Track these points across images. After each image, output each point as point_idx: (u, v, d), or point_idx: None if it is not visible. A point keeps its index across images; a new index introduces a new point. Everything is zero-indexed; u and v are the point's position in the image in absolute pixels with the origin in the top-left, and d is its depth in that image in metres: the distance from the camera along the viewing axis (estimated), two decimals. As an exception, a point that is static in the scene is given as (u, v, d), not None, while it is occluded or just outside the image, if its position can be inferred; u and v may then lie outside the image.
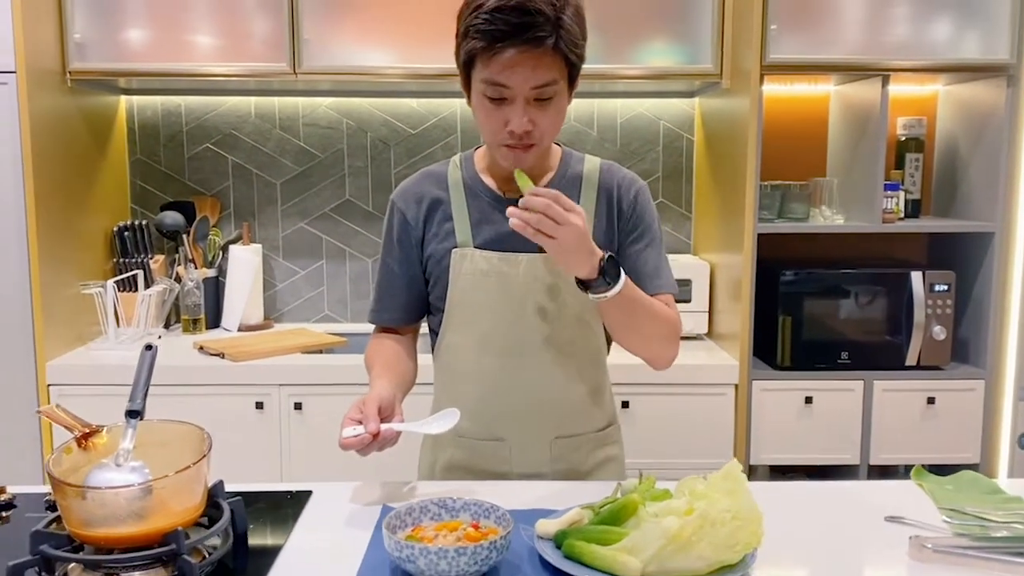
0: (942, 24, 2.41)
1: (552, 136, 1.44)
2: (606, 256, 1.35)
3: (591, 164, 1.56)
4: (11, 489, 1.42)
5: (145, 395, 1.23)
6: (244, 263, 2.84)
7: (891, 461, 2.47)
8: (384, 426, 1.34)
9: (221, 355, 2.48)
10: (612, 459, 1.62)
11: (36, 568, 1.08)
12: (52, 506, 1.32)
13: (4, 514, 1.36)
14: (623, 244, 1.53)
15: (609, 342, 1.61)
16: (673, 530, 1.07)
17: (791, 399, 2.48)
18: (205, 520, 1.21)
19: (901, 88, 2.79)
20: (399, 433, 1.36)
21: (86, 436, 1.21)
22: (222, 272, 2.90)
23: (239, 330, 2.81)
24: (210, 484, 1.22)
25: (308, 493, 1.43)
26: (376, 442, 1.33)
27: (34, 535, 1.10)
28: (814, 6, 2.40)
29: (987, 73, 2.49)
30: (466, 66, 1.41)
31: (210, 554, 1.16)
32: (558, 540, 1.17)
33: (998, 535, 1.25)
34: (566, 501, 1.29)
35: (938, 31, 2.41)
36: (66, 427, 1.22)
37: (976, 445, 2.49)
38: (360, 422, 1.34)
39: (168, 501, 1.12)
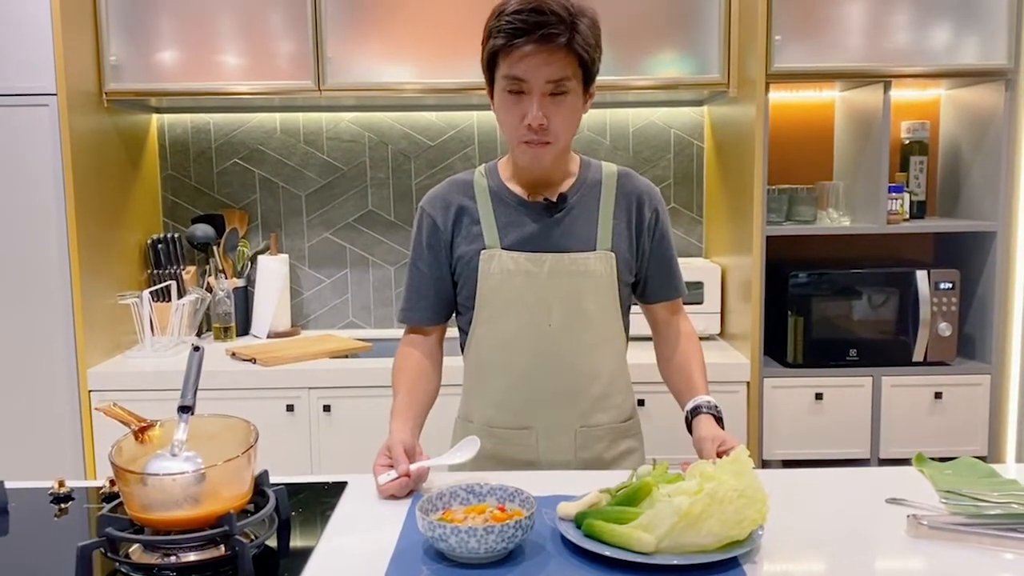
0: (942, 31, 2.49)
1: (566, 136, 1.55)
2: (714, 411, 1.59)
3: (609, 170, 1.67)
4: (68, 483, 1.52)
5: (195, 392, 1.33)
6: (272, 273, 2.95)
7: (900, 455, 2.54)
8: (414, 466, 1.45)
9: (252, 360, 2.58)
10: (633, 451, 1.72)
11: (102, 549, 1.18)
12: (107, 498, 1.42)
13: (64, 505, 1.46)
14: (646, 251, 1.67)
15: (627, 339, 1.72)
16: (684, 508, 1.16)
17: (802, 396, 2.56)
18: (251, 507, 1.31)
19: (905, 93, 2.86)
20: (429, 469, 1.49)
21: (143, 430, 1.31)
22: (251, 282, 3.02)
23: (268, 337, 2.91)
24: (256, 473, 1.32)
25: (343, 484, 1.53)
26: (411, 481, 1.45)
27: (100, 519, 1.21)
28: (817, 16, 2.49)
29: (986, 78, 2.57)
30: (489, 67, 1.53)
31: (256, 537, 1.26)
32: (578, 521, 1.25)
33: (991, 513, 1.33)
34: (586, 488, 1.37)
35: (938, 38, 2.49)
36: (123, 422, 1.33)
37: (983, 438, 2.56)
38: (391, 466, 1.46)
39: (219, 487, 1.22)
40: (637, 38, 2.65)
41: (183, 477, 1.20)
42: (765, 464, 2.58)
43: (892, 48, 2.49)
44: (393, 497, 1.45)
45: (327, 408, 2.52)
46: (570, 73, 1.49)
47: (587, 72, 1.52)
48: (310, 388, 2.52)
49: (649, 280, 1.70)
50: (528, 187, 1.63)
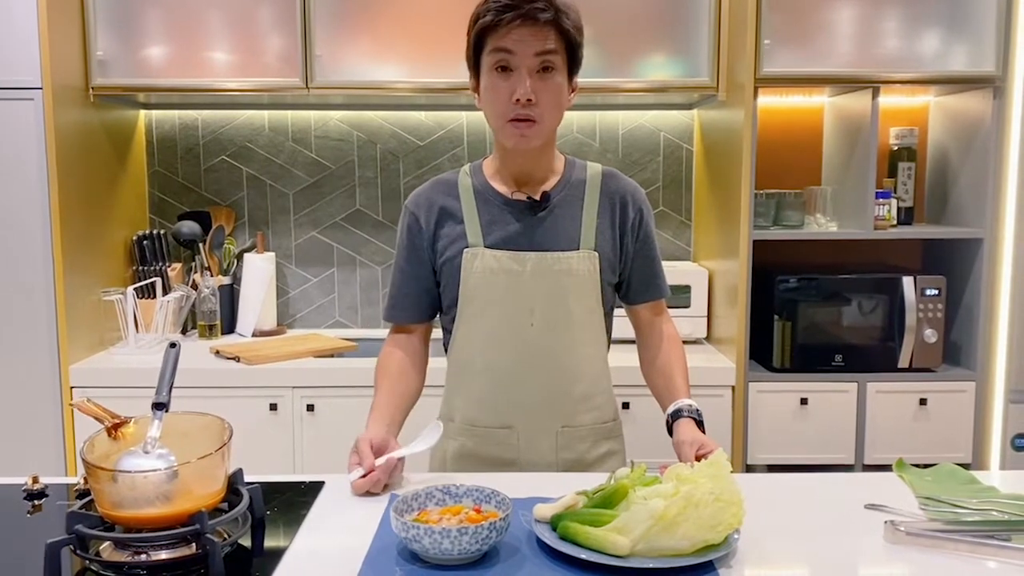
0: (931, 38, 2.49)
1: (551, 119, 1.56)
2: (695, 415, 1.59)
3: (593, 170, 1.67)
4: (42, 479, 1.51)
5: (170, 389, 1.32)
6: (258, 271, 2.94)
7: (884, 461, 2.54)
8: (379, 460, 1.45)
9: (236, 359, 2.57)
10: (614, 453, 1.72)
11: (72, 546, 1.17)
12: (81, 495, 1.41)
13: (37, 502, 1.45)
14: (629, 251, 1.67)
15: (609, 341, 1.71)
16: (659, 511, 1.15)
17: (787, 400, 2.56)
18: (225, 505, 1.29)
19: (894, 99, 2.87)
20: (400, 460, 1.49)
21: (116, 426, 1.30)
22: (237, 279, 3.00)
23: (253, 335, 2.90)
24: (230, 472, 1.31)
25: (320, 484, 1.52)
26: (382, 476, 1.44)
27: (70, 516, 1.19)
28: (806, 21, 2.49)
29: (974, 85, 2.58)
30: (476, 49, 1.54)
31: (229, 536, 1.25)
32: (554, 523, 1.25)
33: (970, 520, 1.33)
34: (564, 490, 1.36)
35: (927, 45, 2.49)
36: (97, 418, 1.31)
37: (967, 445, 2.56)
38: (360, 464, 1.45)
39: (192, 485, 1.20)
40: (627, 41, 2.64)
41: (154, 474, 1.18)
42: (749, 468, 2.58)
43: (881, 54, 2.49)
44: (369, 494, 1.44)
45: (311, 408, 2.51)
46: (556, 47, 1.51)
47: (572, 54, 1.54)
48: (294, 387, 2.51)
49: (632, 281, 1.69)
50: (512, 184, 1.63)
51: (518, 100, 1.50)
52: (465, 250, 1.60)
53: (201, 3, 2.62)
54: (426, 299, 1.68)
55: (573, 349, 1.62)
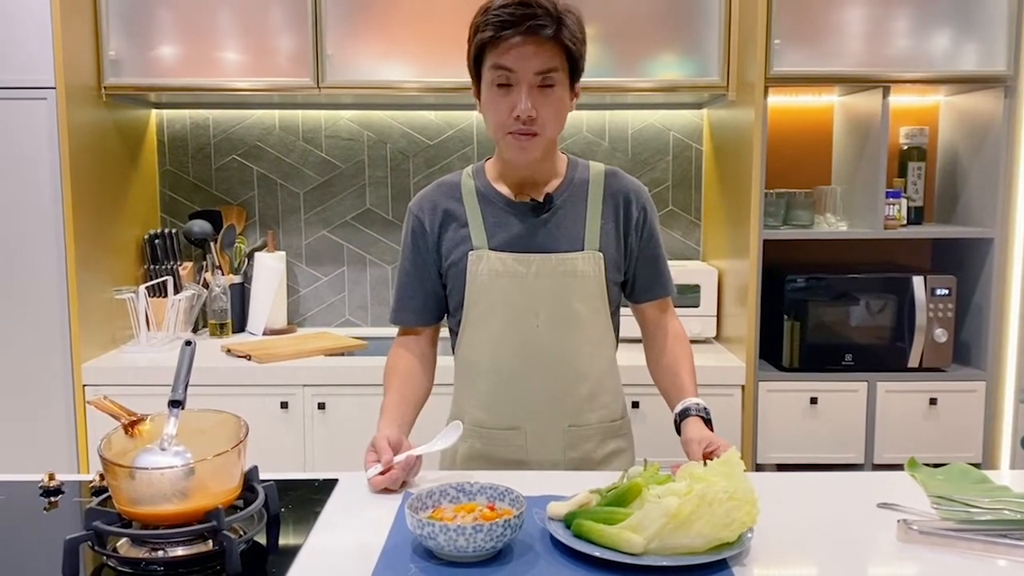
0: (941, 37, 2.49)
1: (553, 129, 1.55)
2: (703, 414, 1.58)
3: (596, 170, 1.67)
4: (58, 477, 1.52)
5: (186, 387, 1.33)
6: (269, 270, 2.95)
7: (894, 460, 2.54)
8: (398, 457, 1.46)
9: (248, 357, 2.58)
10: (622, 451, 1.72)
11: (90, 542, 1.18)
12: (97, 492, 1.42)
13: (54, 499, 1.46)
14: (633, 250, 1.67)
15: (617, 339, 1.72)
16: (673, 509, 1.16)
17: (796, 400, 2.56)
18: (240, 502, 1.30)
19: (904, 99, 2.86)
20: (418, 459, 1.50)
21: (132, 424, 1.31)
22: (248, 278, 3.01)
23: (264, 334, 2.91)
24: (245, 469, 1.32)
25: (334, 481, 1.53)
26: (400, 473, 1.45)
27: (88, 512, 1.20)
28: (816, 21, 2.49)
29: (985, 84, 2.57)
30: (476, 62, 1.54)
31: (245, 533, 1.25)
32: (567, 521, 1.25)
33: (982, 519, 1.33)
34: (576, 488, 1.36)
35: (937, 44, 2.49)
36: (114, 416, 1.32)
37: (978, 445, 2.56)
38: (379, 461, 1.46)
39: (208, 482, 1.21)
40: (637, 40, 2.64)
41: (171, 471, 1.19)
42: (759, 468, 2.58)
43: (891, 54, 2.49)
44: (387, 491, 1.45)
45: (321, 406, 2.52)
46: (557, 64, 1.50)
47: (574, 66, 1.53)
48: (305, 385, 2.52)
49: (637, 279, 1.69)
50: (515, 187, 1.63)
51: (518, 117, 1.50)
52: (470, 253, 1.61)
53: (213, 3, 2.63)
54: (432, 301, 1.69)
55: (579, 349, 1.62)
